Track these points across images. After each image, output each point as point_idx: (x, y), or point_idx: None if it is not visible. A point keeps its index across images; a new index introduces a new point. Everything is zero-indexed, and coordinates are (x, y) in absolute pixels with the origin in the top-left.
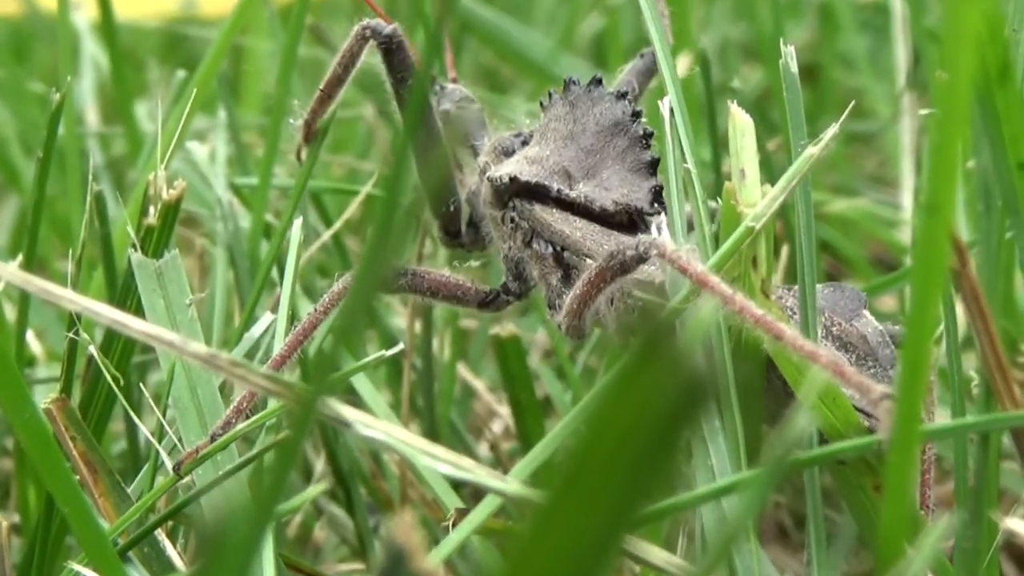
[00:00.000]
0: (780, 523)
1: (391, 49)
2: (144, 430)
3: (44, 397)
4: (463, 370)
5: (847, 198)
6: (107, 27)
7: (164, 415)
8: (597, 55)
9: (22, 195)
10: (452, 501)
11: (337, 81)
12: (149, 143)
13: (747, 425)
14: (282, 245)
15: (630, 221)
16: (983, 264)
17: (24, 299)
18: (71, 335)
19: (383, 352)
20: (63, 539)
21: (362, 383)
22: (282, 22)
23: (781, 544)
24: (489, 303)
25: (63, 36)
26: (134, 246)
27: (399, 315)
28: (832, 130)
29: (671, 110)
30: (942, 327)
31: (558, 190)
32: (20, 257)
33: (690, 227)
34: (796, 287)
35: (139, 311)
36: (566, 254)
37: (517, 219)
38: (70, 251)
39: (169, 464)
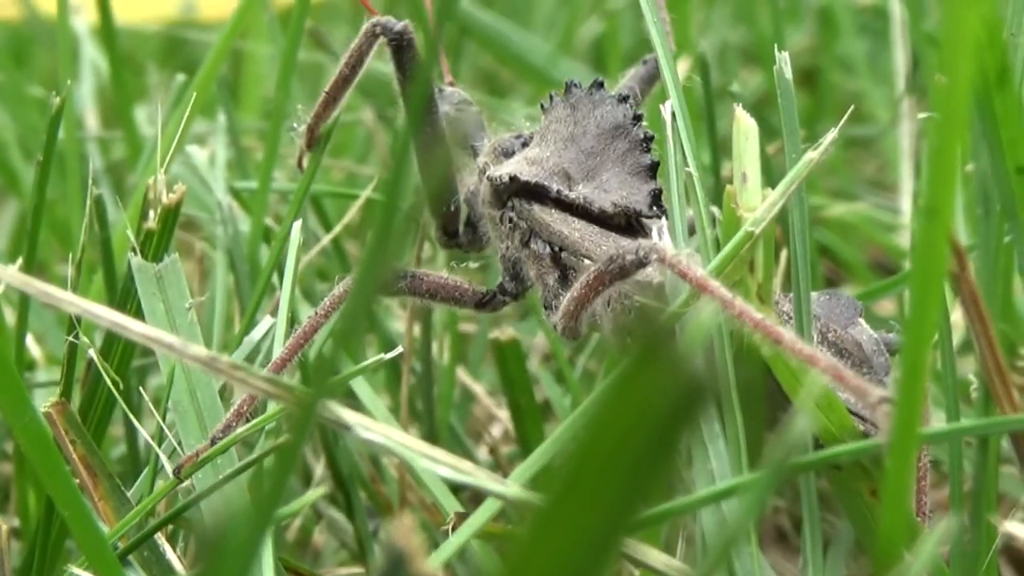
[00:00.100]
0: (780, 527)
1: (401, 46)
2: (144, 434)
3: (44, 401)
4: (462, 374)
5: (846, 202)
6: (107, 31)
7: (164, 419)
8: (596, 59)
9: (22, 199)
10: (451, 505)
11: (343, 82)
12: (149, 147)
13: (749, 429)
14: (283, 249)
15: (628, 223)
16: (982, 268)
17: (24, 303)
18: (71, 338)
19: (382, 355)
20: (63, 543)
21: (361, 387)
22: (282, 26)
23: (781, 548)
24: (486, 304)
25: (63, 40)
26: (134, 250)
27: (398, 319)
28: (831, 134)
29: (672, 114)
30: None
31: (557, 191)
32: (20, 260)
33: (691, 231)
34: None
35: (139, 315)
36: (564, 255)
37: (516, 219)
38: (70, 255)
39: (169, 468)
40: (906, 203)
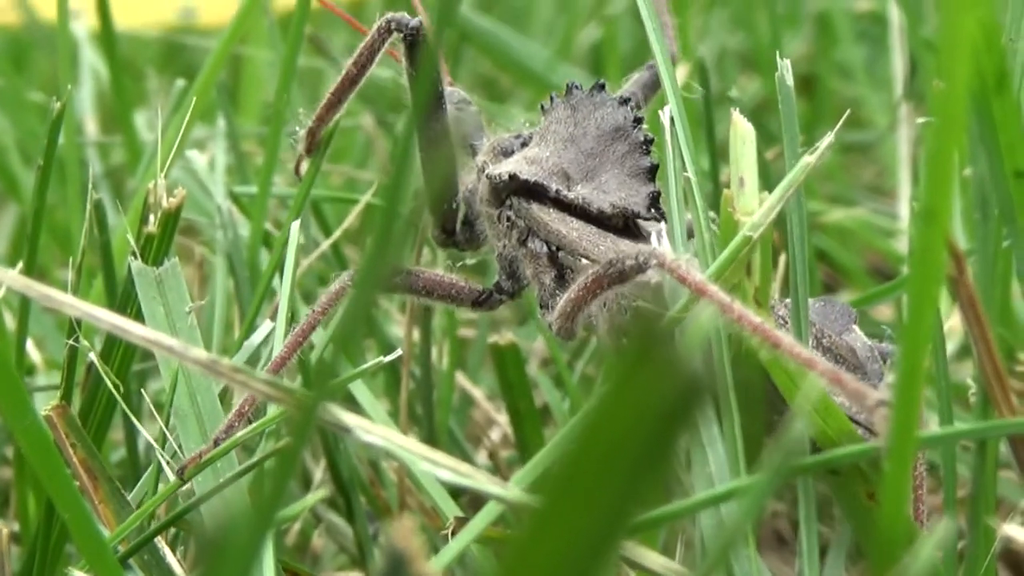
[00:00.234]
0: (778, 531)
1: (416, 42)
2: (147, 435)
3: (44, 405)
4: (461, 378)
5: (844, 208)
6: (106, 36)
7: (167, 423)
8: (595, 65)
9: (21, 204)
10: (451, 509)
11: (350, 82)
12: (148, 152)
13: (747, 432)
14: (283, 252)
15: (626, 225)
16: (980, 272)
17: (24, 307)
18: (71, 342)
19: (381, 358)
20: (63, 547)
21: (361, 391)
22: (282, 32)
23: (780, 552)
24: (483, 302)
25: (62, 45)
26: (134, 254)
27: (397, 323)
28: (828, 139)
29: (671, 119)
30: None
31: (556, 190)
32: (20, 264)
33: (690, 234)
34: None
35: (139, 319)
36: (561, 254)
37: (513, 217)
38: (70, 259)
39: (169, 471)
40: (904, 209)
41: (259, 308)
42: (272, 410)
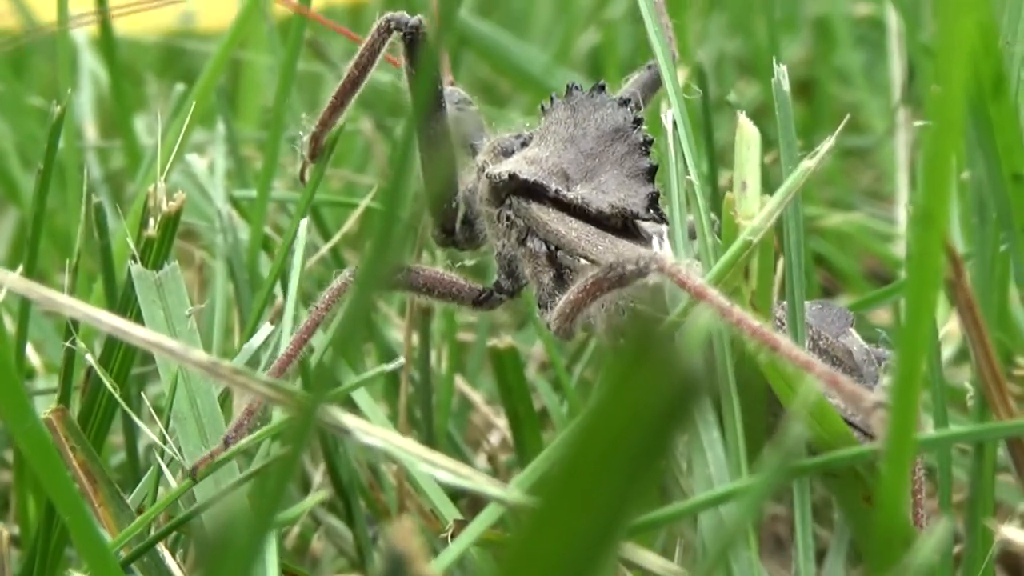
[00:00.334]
0: (777, 535)
1: (416, 41)
2: (150, 434)
3: (43, 408)
4: (461, 382)
5: (842, 212)
6: (106, 41)
7: (166, 426)
8: (594, 69)
9: (21, 208)
10: (450, 512)
11: (352, 84)
12: (148, 156)
13: (748, 434)
14: (287, 254)
15: (624, 225)
16: (978, 276)
17: (24, 310)
18: (68, 344)
19: (383, 366)
20: (63, 550)
21: (360, 395)
22: (281, 36)
23: (779, 557)
24: (483, 301)
25: (62, 50)
26: (134, 258)
27: (397, 328)
28: (828, 143)
29: (674, 123)
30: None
31: (556, 190)
32: (21, 268)
33: (691, 235)
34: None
35: (139, 322)
36: (560, 254)
37: (513, 217)
38: (67, 261)
39: (169, 474)
40: (902, 213)
41: (262, 311)
42: (277, 416)
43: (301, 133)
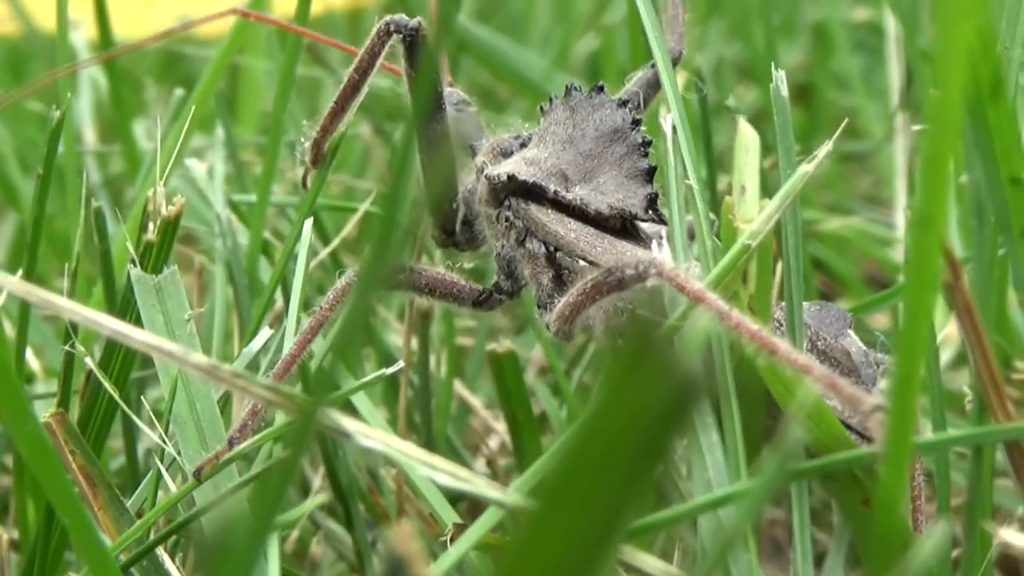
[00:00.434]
0: (776, 540)
1: (415, 43)
2: (152, 435)
3: (43, 412)
4: (460, 387)
5: (841, 217)
6: (105, 46)
7: (167, 430)
8: (592, 74)
9: (20, 213)
10: (449, 516)
11: (353, 89)
12: (147, 161)
13: (748, 437)
14: (288, 258)
15: (623, 226)
16: (976, 279)
17: (24, 314)
18: (67, 347)
19: (383, 371)
20: (62, 554)
21: (360, 399)
22: (280, 41)
23: (778, 561)
24: (483, 302)
25: (61, 55)
26: (133, 262)
27: (396, 332)
28: (825, 147)
29: (673, 127)
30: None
31: (554, 191)
32: (20, 272)
33: (691, 236)
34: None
35: (138, 326)
36: (559, 254)
37: (512, 218)
38: (65, 264)
39: (169, 478)
40: (900, 218)
41: (262, 315)
42: (280, 419)
43: (303, 139)
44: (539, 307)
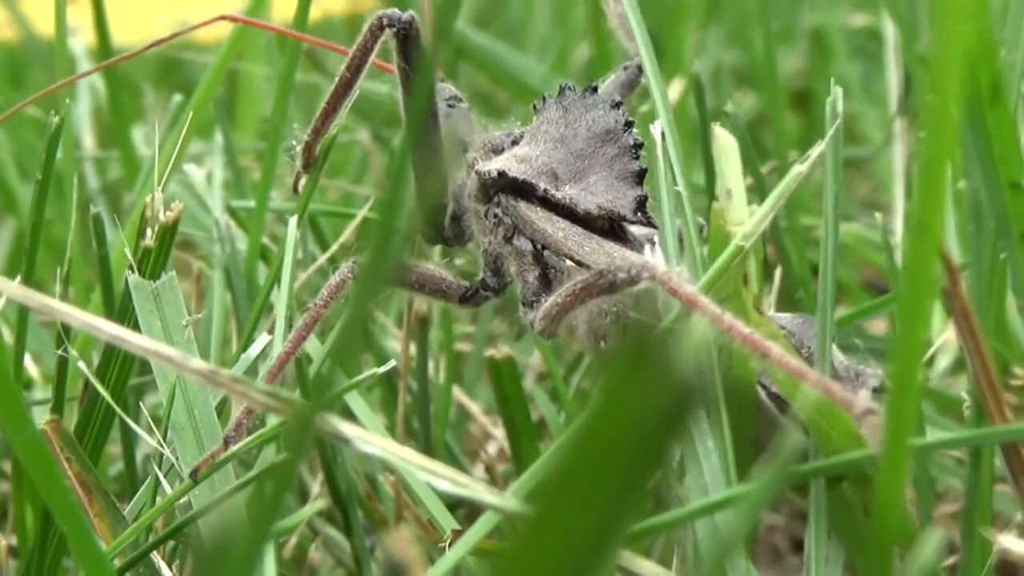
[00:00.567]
0: (775, 545)
1: (408, 37)
2: (149, 440)
3: (41, 418)
4: (458, 393)
5: (840, 223)
6: (104, 52)
7: (164, 435)
8: (591, 80)
9: (19, 219)
10: (448, 522)
11: (344, 88)
12: (146, 167)
13: (737, 443)
14: (281, 266)
15: (611, 227)
16: (975, 284)
17: (22, 320)
18: (60, 352)
19: (375, 370)
20: (60, 560)
21: (358, 405)
22: (278, 47)
23: (776, 568)
24: (469, 298)
25: (60, 61)
26: (131, 268)
27: (394, 338)
28: (819, 148)
29: (663, 134)
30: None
31: (544, 189)
32: (19, 278)
33: (680, 239)
34: (782, 315)
35: (137, 332)
36: (546, 253)
37: (501, 215)
38: (57, 268)
39: (167, 484)
40: (899, 224)
41: (257, 320)
42: (274, 419)
43: (294, 143)
44: (524, 305)
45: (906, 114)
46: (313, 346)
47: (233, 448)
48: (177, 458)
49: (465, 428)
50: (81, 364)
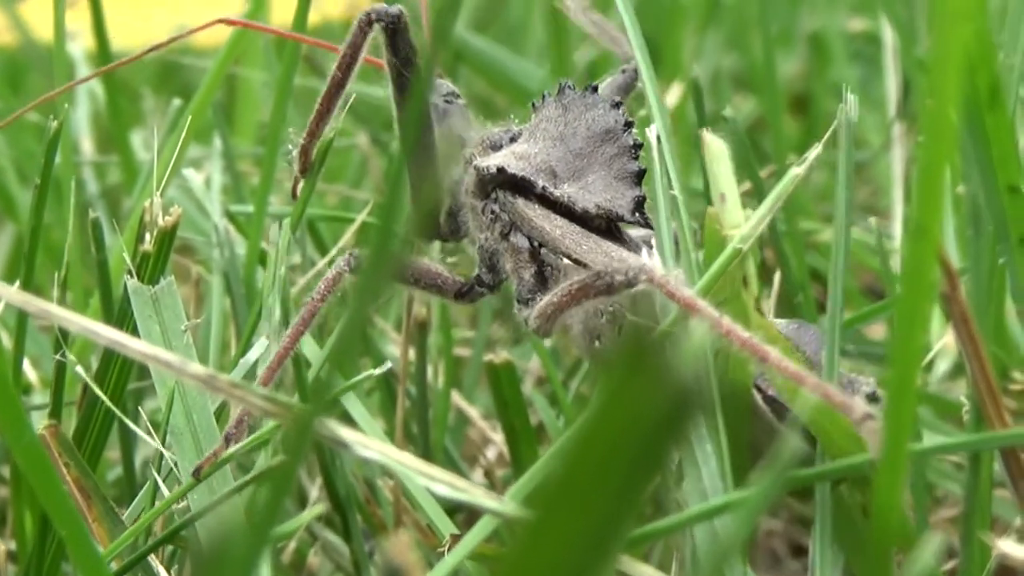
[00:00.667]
0: (774, 551)
1: (397, 30)
2: (152, 442)
3: (40, 423)
4: (457, 397)
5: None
6: (103, 57)
7: (164, 440)
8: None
9: (18, 224)
10: (447, 527)
11: (337, 88)
12: (144, 171)
13: (733, 448)
14: (276, 269)
15: (608, 227)
16: (974, 289)
17: (21, 325)
18: (59, 356)
19: (371, 371)
20: (59, 565)
21: (357, 410)
22: (277, 52)
23: (775, 573)
24: (465, 294)
25: (59, 66)
26: (130, 273)
27: (393, 342)
28: (815, 151)
29: (658, 137)
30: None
31: (543, 187)
32: (18, 283)
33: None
34: (777, 320)
35: (135, 337)
36: (543, 251)
37: (498, 211)
38: (55, 273)
39: (165, 489)
40: (898, 228)
41: (255, 325)
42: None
43: (290, 147)
44: (518, 302)
45: (905, 118)
46: (312, 350)
47: (235, 447)
48: (176, 463)
49: (464, 433)
50: (80, 369)
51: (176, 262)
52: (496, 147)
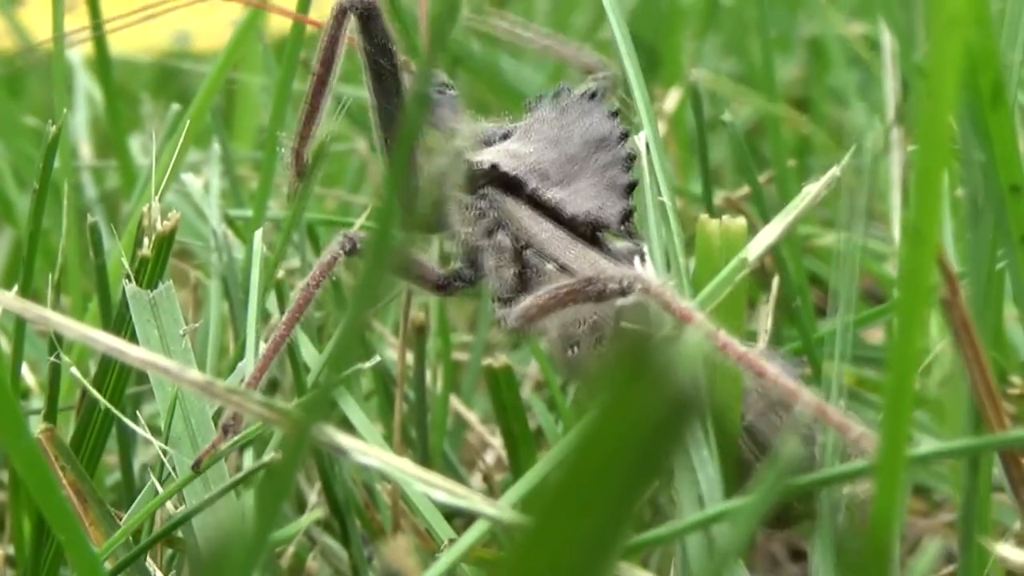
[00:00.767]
0: (773, 555)
1: (371, 18)
2: (151, 441)
3: (38, 427)
4: (456, 402)
5: (837, 231)
6: (101, 62)
7: (165, 442)
8: None
9: (16, 228)
10: (445, 531)
11: (320, 84)
12: (143, 176)
13: (723, 456)
14: (274, 272)
15: (593, 235)
16: (973, 294)
17: (19, 330)
18: (53, 359)
19: (360, 364)
20: (57, 570)
21: (356, 414)
22: (276, 56)
23: (774, 575)
24: (444, 286)
25: (57, 70)
26: (128, 277)
27: (391, 347)
28: (834, 171)
29: (647, 145)
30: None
31: (533, 188)
32: (16, 288)
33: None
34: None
35: (134, 342)
36: (527, 252)
37: (485, 208)
38: (49, 275)
39: (162, 491)
40: (897, 232)
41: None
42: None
43: (282, 149)
44: (496, 300)
45: (903, 123)
46: (311, 352)
47: (234, 439)
48: (174, 468)
49: (462, 437)
50: (78, 374)
51: (174, 266)
52: (487, 142)
